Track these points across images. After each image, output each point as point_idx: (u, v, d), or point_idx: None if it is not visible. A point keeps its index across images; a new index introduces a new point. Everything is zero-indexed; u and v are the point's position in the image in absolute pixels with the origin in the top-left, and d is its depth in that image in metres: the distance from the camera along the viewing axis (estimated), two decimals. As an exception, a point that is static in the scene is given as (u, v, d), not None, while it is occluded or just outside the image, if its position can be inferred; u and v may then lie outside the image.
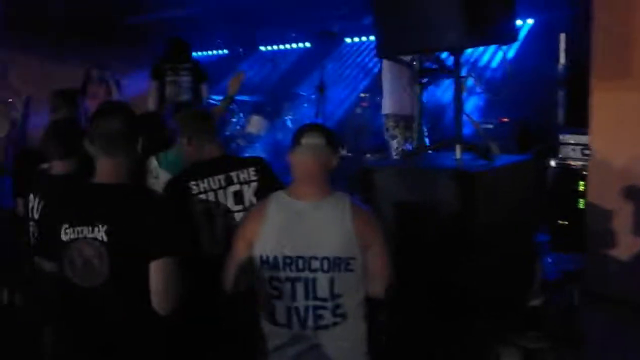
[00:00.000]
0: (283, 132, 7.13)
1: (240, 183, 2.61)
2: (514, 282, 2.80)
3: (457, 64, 2.96)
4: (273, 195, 2.16)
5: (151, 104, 5.61)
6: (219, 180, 2.59)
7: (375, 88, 7.31)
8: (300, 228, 2.02)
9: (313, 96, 7.48)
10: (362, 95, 7.38)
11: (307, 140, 2.14)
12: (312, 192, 2.10)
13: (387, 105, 4.69)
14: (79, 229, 1.80)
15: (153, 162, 3.10)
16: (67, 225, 1.82)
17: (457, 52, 2.89)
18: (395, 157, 4.49)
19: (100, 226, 1.79)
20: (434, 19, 2.67)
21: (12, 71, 6.30)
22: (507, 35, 2.93)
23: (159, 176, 3.03)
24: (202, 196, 2.55)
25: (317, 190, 2.10)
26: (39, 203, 2.59)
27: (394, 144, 4.59)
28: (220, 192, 2.58)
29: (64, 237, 1.82)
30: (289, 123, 7.30)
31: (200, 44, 8.84)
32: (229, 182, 2.60)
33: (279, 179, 2.66)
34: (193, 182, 2.56)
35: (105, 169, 1.90)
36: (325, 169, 2.15)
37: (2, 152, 5.43)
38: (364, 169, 3.05)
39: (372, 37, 7.81)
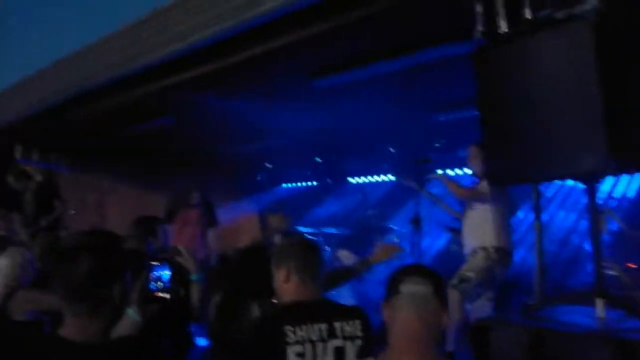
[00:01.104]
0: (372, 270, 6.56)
1: (345, 338, 2.08)
2: None
3: (593, 195, 2.38)
4: (359, 364, 1.59)
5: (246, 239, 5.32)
6: (320, 330, 2.06)
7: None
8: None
9: (404, 230, 6.99)
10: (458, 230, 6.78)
11: (409, 287, 1.59)
12: (416, 363, 1.51)
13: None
14: None
15: (255, 310, 2.65)
16: None
17: (594, 180, 2.32)
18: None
19: None
20: (565, 140, 2.15)
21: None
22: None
23: None
24: (298, 347, 2.02)
25: (423, 360, 1.51)
26: None
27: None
28: (320, 345, 2.04)
29: None
30: (377, 259, 6.74)
31: (289, 176, 8.83)
32: (332, 334, 2.07)
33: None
34: (289, 327, 2.03)
35: (70, 324, 1.42)
36: (434, 329, 1.57)
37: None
38: (476, 324, 2.41)
39: (467, 170, 7.40)
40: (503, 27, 2.19)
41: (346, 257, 6.55)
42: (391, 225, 7.17)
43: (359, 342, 2.10)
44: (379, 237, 7.00)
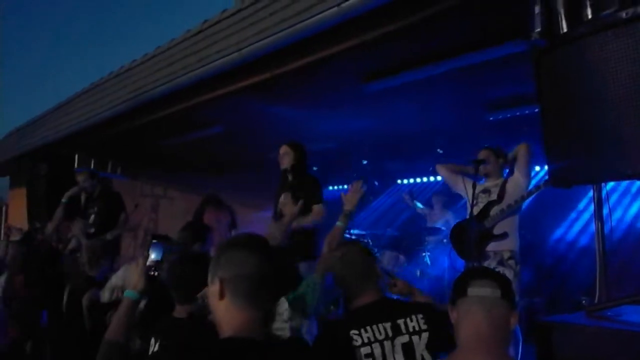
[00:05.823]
0: (421, 270, 6.56)
1: (410, 333, 2.11)
2: None
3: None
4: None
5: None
6: (385, 329, 2.11)
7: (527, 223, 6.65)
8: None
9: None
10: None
11: (476, 290, 1.62)
12: (486, 366, 1.53)
13: None
14: None
15: (284, 304, 2.75)
16: None
17: (660, 179, 2.28)
18: None
19: None
20: (629, 140, 2.12)
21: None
22: None
23: (287, 319, 2.68)
24: (366, 349, 2.06)
25: (494, 364, 1.54)
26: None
27: None
28: (387, 343, 2.08)
29: None
30: (427, 260, 6.73)
31: (336, 179, 8.87)
32: (397, 331, 2.11)
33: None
34: (355, 332, 2.09)
35: (241, 321, 1.44)
36: (503, 332, 1.59)
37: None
38: (540, 324, 2.38)
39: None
40: (564, 27, 2.19)
41: (391, 258, 6.56)
42: (440, 226, 7.11)
43: (425, 335, 2.10)
44: (427, 238, 6.96)
